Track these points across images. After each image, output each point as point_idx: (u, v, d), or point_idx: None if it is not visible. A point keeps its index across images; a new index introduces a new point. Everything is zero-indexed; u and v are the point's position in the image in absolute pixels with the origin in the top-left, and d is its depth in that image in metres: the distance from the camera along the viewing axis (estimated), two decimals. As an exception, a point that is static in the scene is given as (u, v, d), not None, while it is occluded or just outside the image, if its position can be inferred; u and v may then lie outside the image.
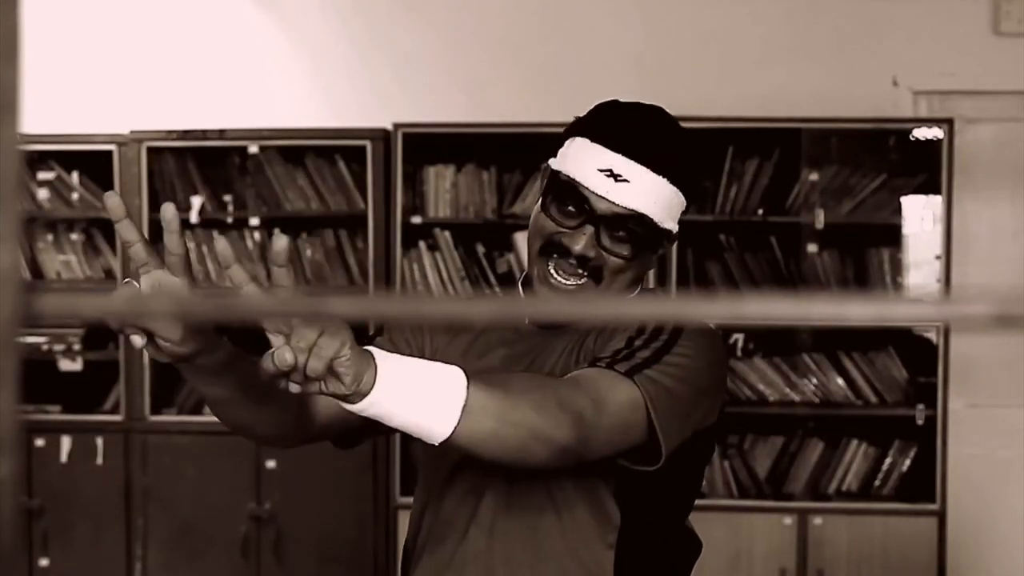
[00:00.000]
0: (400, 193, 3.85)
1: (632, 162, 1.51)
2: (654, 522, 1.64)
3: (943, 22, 4.14)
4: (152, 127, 3.97)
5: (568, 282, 1.52)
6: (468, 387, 1.23)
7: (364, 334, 1.67)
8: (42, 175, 4.03)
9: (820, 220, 3.88)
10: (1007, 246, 4.19)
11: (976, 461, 4.17)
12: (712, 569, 3.80)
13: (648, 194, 1.51)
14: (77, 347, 4.00)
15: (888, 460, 3.92)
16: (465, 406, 1.22)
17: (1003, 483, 4.21)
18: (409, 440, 1.64)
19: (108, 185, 3.97)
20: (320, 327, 1.06)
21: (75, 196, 4.05)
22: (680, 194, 1.56)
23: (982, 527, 4.18)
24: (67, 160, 4.03)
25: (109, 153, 3.94)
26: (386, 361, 1.20)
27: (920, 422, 3.86)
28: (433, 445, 1.45)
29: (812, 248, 3.94)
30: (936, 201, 3.83)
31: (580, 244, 1.50)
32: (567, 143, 1.59)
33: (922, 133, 3.96)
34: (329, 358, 1.08)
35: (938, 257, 3.82)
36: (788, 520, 3.79)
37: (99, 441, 3.92)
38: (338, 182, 3.98)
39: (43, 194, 4.03)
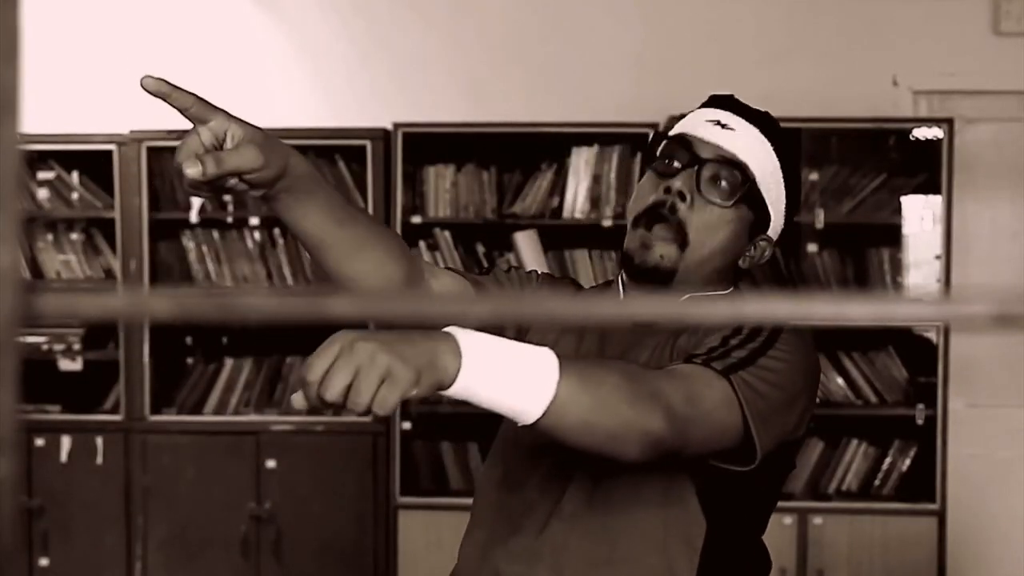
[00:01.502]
0: (400, 193, 3.85)
1: (740, 118, 1.53)
2: (735, 532, 1.58)
3: (943, 22, 4.14)
4: (152, 127, 3.96)
5: (656, 232, 1.48)
6: (560, 371, 1.16)
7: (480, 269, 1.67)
8: (42, 175, 4.03)
9: (820, 220, 3.88)
10: (1007, 246, 4.19)
11: (976, 461, 4.17)
12: (712, 569, 3.80)
13: (752, 147, 1.52)
14: (77, 347, 4.00)
15: (888, 460, 3.92)
16: (556, 393, 1.15)
17: (1003, 483, 4.21)
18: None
19: (108, 185, 3.97)
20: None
21: (75, 196, 4.05)
22: (781, 174, 1.55)
23: (982, 527, 4.18)
24: (67, 160, 4.03)
25: (109, 153, 3.94)
26: (472, 342, 1.13)
27: (920, 422, 3.86)
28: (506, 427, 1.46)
29: (812, 248, 3.94)
30: (936, 201, 3.84)
31: (680, 181, 1.48)
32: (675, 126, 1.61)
33: (922, 133, 3.96)
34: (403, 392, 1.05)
35: (938, 257, 3.82)
36: (788, 520, 3.79)
37: (99, 441, 3.92)
38: (338, 182, 3.98)
39: (43, 194, 4.04)
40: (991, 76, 4.14)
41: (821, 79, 4.14)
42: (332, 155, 3.97)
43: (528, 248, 3.92)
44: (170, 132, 3.94)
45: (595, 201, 3.92)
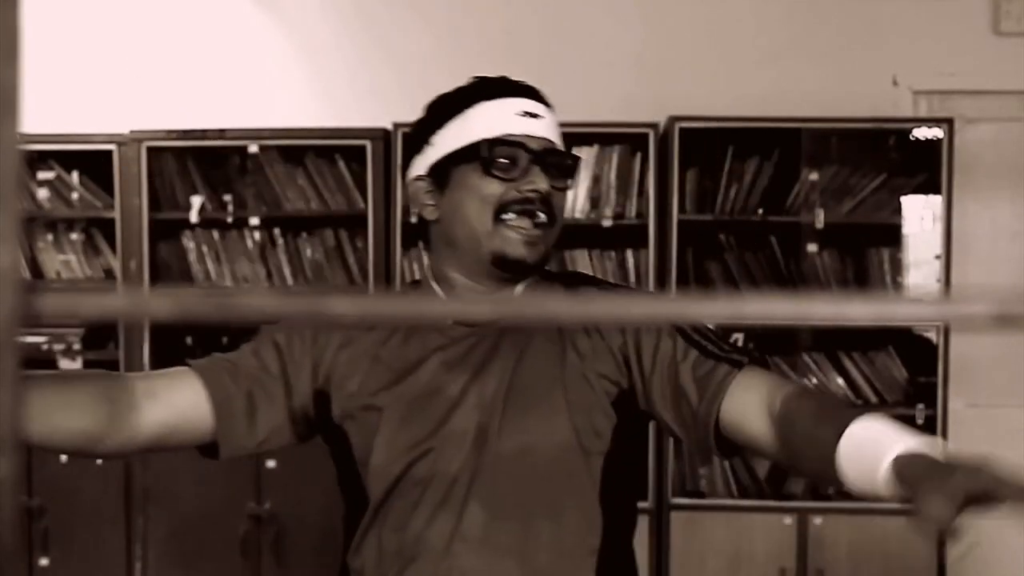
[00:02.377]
0: (400, 193, 3.85)
1: (534, 101, 1.60)
2: (628, 532, 1.62)
3: (943, 22, 4.14)
4: (152, 127, 3.97)
5: (531, 228, 1.52)
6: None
7: (248, 336, 1.64)
8: (42, 175, 4.03)
9: (820, 220, 3.88)
10: (1007, 246, 4.19)
11: (976, 461, 4.17)
12: (712, 569, 3.80)
13: (553, 125, 1.61)
14: (77, 347, 4.00)
15: (888, 460, 3.92)
16: None
17: (1003, 483, 4.20)
18: (338, 462, 1.63)
19: (108, 185, 3.97)
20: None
21: (75, 196, 4.05)
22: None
23: (982, 527, 4.17)
24: (67, 160, 4.03)
25: (109, 153, 3.94)
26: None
27: (920, 422, 3.86)
28: (379, 461, 1.49)
29: (812, 248, 3.94)
30: (936, 201, 3.84)
31: (543, 183, 1.52)
32: (444, 131, 1.60)
33: (922, 133, 3.96)
34: None
35: (938, 257, 3.82)
36: (788, 520, 3.80)
37: (99, 441, 3.92)
38: (338, 182, 3.98)
39: (43, 194, 4.04)
40: (991, 76, 4.14)
41: (821, 79, 4.14)
42: (332, 155, 3.97)
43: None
44: (170, 132, 3.94)
45: (595, 201, 3.92)
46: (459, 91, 1.64)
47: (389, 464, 1.52)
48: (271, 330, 1.60)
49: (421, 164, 1.63)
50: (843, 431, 1.29)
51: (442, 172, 1.59)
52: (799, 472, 1.46)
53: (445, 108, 1.63)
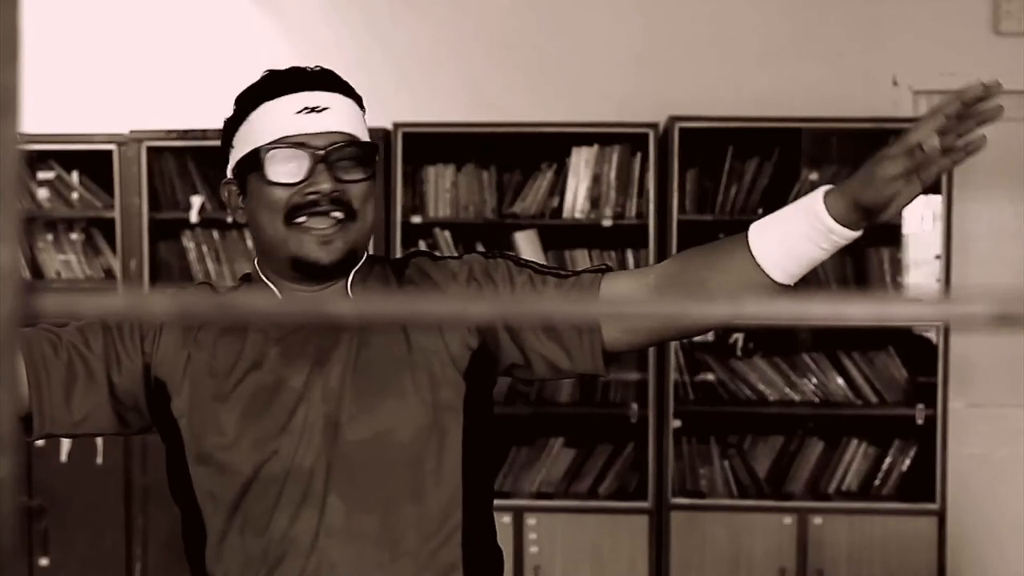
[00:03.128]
0: (400, 193, 3.85)
1: (319, 92, 1.51)
2: (488, 504, 1.61)
3: (943, 22, 4.14)
4: (152, 127, 3.97)
5: (326, 228, 1.47)
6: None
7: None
8: (42, 175, 4.03)
9: (820, 220, 3.87)
10: (1007, 246, 4.19)
11: (976, 461, 4.17)
12: (712, 568, 3.80)
13: (345, 114, 1.52)
14: None
15: (888, 460, 3.93)
16: None
17: (1003, 483, 4.21)
18: (170, 459, 1.59)
19: (108, 185, 3.97)
20: None
21: (75, 196, 4.05)
22: (358, 107, 1.56)
23: (982, 527, 4.18)
24: (67, 160, 4.03)
25: (109, 153, 3.94)
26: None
27: (920, 422, 3.86)
28: (226, 461, 1.47)
29: (812, 248, 3.93)
30: (936, 201, 3.84)
31: (326, 184, 1.46)
32: (239, 135, 1.55)
33: (922, 133, 3.95)
34: None
35: (938, 257, 3.82)
36: (788, 520, 3.80)
37: (99, 441, 3.92)
38: (338, 182, 3.98)
39: (43, 194, 4.04)
40: (991, 75, 4.12)
41: (821, 79, 4.14)
42: (332, 155, 3.97)
43: (528, 248, 3.92)
44: (169, 132, 3.94)
45: (595, 201, 3.92)
46: (247, 90, 1.56)
47: (238, 464, 1.49)
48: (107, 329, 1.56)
49: (230, 166, 1.59)
50: (744, 241, 1.48)
51: (241, 177, 1.55)
52: (696, 322, 1.45)
53: (240, 106, 1.57)
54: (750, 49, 4.18)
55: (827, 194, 1.38)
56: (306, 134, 1.48)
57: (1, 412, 0.37)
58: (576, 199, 3.92)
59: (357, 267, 1.55)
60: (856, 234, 1.41)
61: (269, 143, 1.48)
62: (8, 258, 0.38)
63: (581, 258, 3.95)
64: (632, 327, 1.50)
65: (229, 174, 1.58)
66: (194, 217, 3.96)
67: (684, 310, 0.38)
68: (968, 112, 1.39)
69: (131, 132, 3.94)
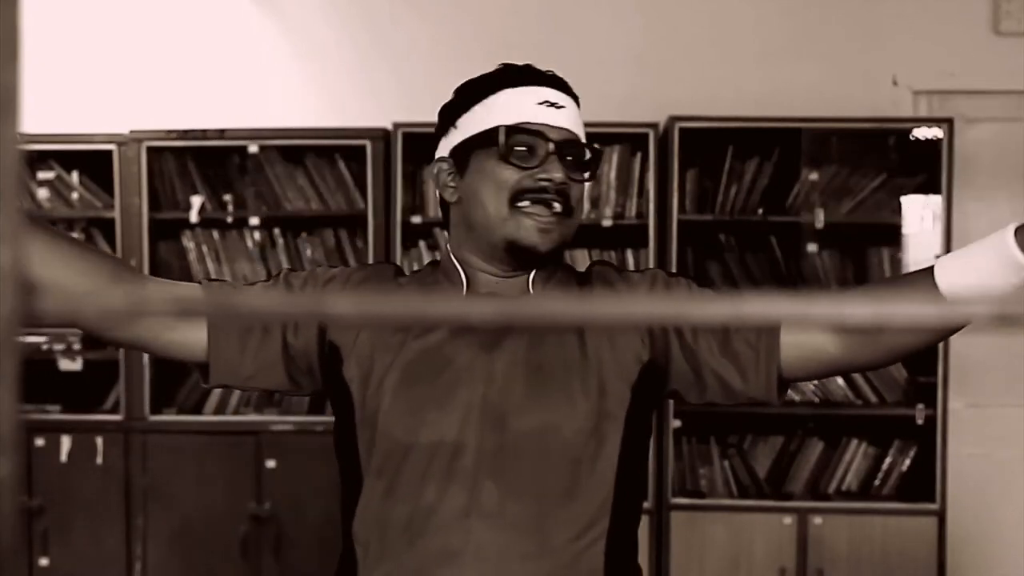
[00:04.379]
0: (400, 193, 3.85)
1: (558, 92, 1.59)
2: (635, 518, 1.61)
3: (943, 22, 4.14)
4: (152, 127, 3.97)
5: (547, 216, 1.52)
6: None
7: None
8: (42, 175, 4.03)
9: (820, 220, 3.88)
10: (1007, 246, 4.18)
11: (976, 461, 4.17)
12: (712, 568, 3.80)
13: (577, 118, 1.60)
14: (77, 347, 4.00)
15: (888, 460, 3.93)
16: None
17: (1003, 483, 4.21)
18: (342, 435, 1.61)
19: (108, 185, 3.97)
20: None
21: (75, 196, 4.05)
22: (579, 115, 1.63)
23: (982, 527, 4.18)
24: (67, 160, 4.03)
25: (109, 153, 3.94)
26: None
27: (920, 422, 3.86)
28: (383, 426, 1.49)
29: (812, 248, 3.94)
30: (936, 201, 3.83)
31: (558, 172, 1.52)
32: (469, 115, 1.60)
33: (922, 133, 3.96)
34: None
35: (938, 256, 3.82)
36: (788, 520, 3.80)
37: (99, 441, 3.92)
38: (338, 182, 3.98)
39: (43, 193, 4.04)
40: (991, 76, 4.14)
41: (821, 79, 4.14)
42: (332, 155, 3.97)
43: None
44: (169, 132, 3.94)
45: (595, 201, 3.92)
46: (485, 77, 1.63)
47: (392, 428, 1.51)
48: (287, 274, 1.63)
49: (445, 146, 1.63)
50: (929, 275, 1.41)
51: (463, 155, 1.59)
52: (884, 352, 1.45)
53: (471, 92, 1.63)
54: (750, 49, 4.18)
55: (1018, 228, 1.34)
56: (546, 124, 1.54)
57: (1, 412, 0.37)
58: (576, 199, 3.92)
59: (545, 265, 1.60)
60: None
61: (510, 125, 1.54)
62: (8, 258, 0.38)
63: (581, 258, 3.94)
64: (813, 355, 1.50)
65: (444, 153, 1.62)
66: (194, 217, 3.97)
67: (684, 311, 0.38)
68: None
69: (131, 132, 3.94)
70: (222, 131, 3.92)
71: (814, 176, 3.91)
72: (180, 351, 1.58)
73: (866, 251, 3.96)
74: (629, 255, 3.93)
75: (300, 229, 4.02)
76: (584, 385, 1.52)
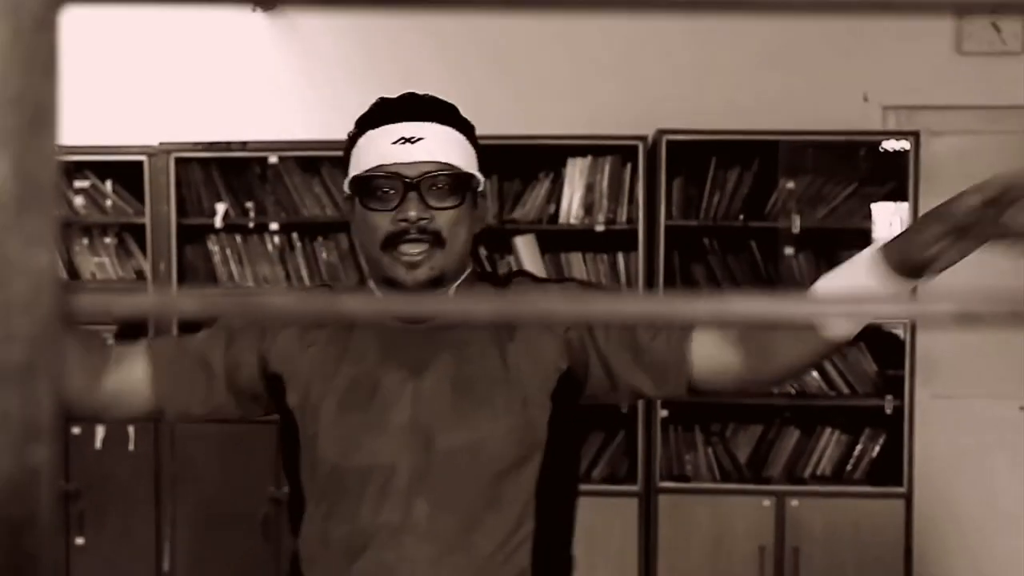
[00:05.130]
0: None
1: (417, 123, 1.50)
2: (565, 518, 1.59)
3: (910, 42, 4.14)
4: (180, 139, 3.97)
5: (416, 253, 1.47)
6: None
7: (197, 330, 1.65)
8: (78, 183, 4.03)
9: (796, 225, 3.88)
10: (969, 249, 4.19)
11: (940, 447, 4.17)
12: (697, 547, 3.80)
13: (444, 144, 1.50)
14: (111, 342, 4.00)
15: (859, 447, 3.93)
16: None
17: (965, 468, 4.21)
18: (288, 458, 1.59)
19: (139, 193, 3.97)
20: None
21: (108, 203, 4.05)
22: (468, 142, 1.55)
23: (946, 509, 4.18)
24: (101, 169, 4.03)
25: (140, 163, 3.94)
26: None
27: (889, 412, 3.86)
28: (320, 450, 1.47)
29: (789, 251, 3.94)
30: (904, 208, 3.83)
31: (413, 210, 1.46)
32: (352, 157, 1.55)
33: (890, 145, 3.96)
34: None
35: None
36: (767, 502, 3.80)
37: (131, 430, 3.92)
38: (351, 190, 3.97)
39: (79, 201, 4.04)
40: (955, 92, 4.14)
41: (797, 95, 4.14)
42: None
43: (527, 251, 3.92)
44: (195, 144, 3.94)
45: (588, 208, 3.92)
46: (362, 116, 1.57)
47: (329, 453, 1.50)
48: (223, 321, 1.60)
49: (346, 182, 1.57)
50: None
51: (352, 198, 1.55)
52: (775, 371, 1.46)
53: (354, 132, 1.57)
54: (731, 67, 4.18)
55: (882, 248, 1.35)
56: (400, 163, 1.48)
57: (40, 404, 0.37)
58: (571, 206, 3.92)
59: (458, 283, 1.55)
60: (913, 282, 1.39)
61: (367, 171, 1.49)
62: (47, 260, 0.38)
63: (576, 261, 3.95)
64: (721, 369, 1.50)
65: (346, 189, 1.57)
66: (218, 223, 3.97)
67: (672, 310, 0.38)
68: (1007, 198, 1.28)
69: (160, 144, 3.94)
70: (244, 143, 3.92)
71: (791, 185, 3.91)
72: (124, 405, 1.56)
73: (839, 254, 3.94)
74: (620, 258, 3.93)
75: (316, 234, 4.01)
76: (507, 398, 1.49)
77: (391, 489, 1.47)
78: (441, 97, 1.60)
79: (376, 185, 1.49)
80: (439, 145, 1.50)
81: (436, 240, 1.48)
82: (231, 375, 1.57)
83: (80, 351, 1.50)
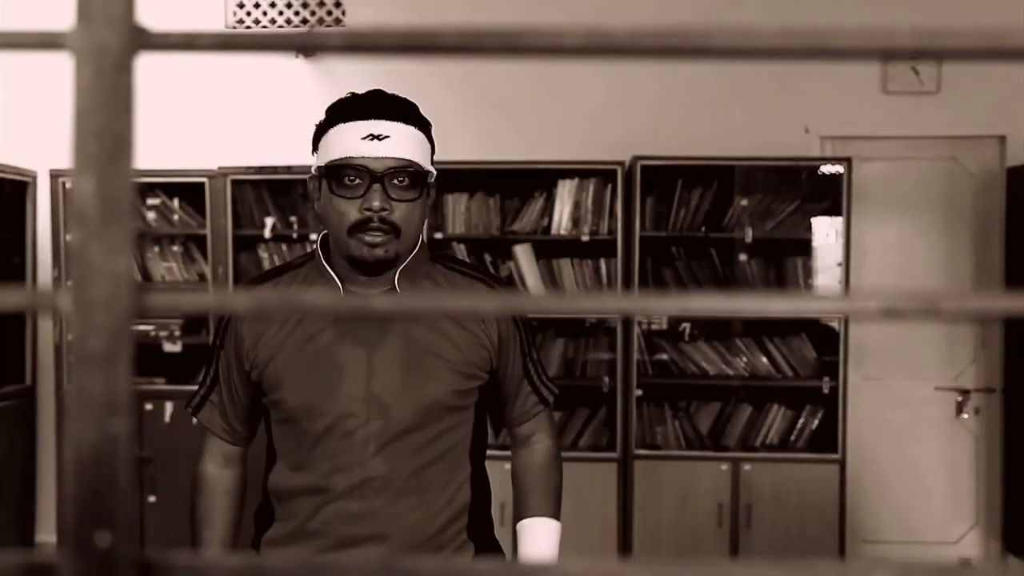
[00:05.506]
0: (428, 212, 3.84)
1: (386, 122, 1.44)
2: (483, 461, 1.60)
3: (844, 83, 4.14)
4: (235, 164, 3.97)
5: (377, 239, 1.43)
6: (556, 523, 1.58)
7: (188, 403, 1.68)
8: (150, 201, 4.03)
9: (749, 236, 3.88)
10: (893, 256, 4.19)
11: (869, 422, 4.18)
12: (666, 504, 3.80)
13: (407, 143, 1.45)
14: (177, 333, 4.00)
15: (801, 420, 3.93)
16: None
17: (888, 438, 4.21)
18: (268, 418, 1.57)
19: (201, 209, 3.97)
20: None
21: (176, 217, 4.05)
22: (427, 140, 1.50)
23: (873, 472, 4.18)
24: (169, 189, 4.03)
25: (202, 184, 3.94)
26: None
27: (826, 391, 3.86)
28: (297, 418, 1.48)
29: (743, 257, 3.94)
30: (838, 221, 3.84)
31: (376, 200, 1.41)
32: (322, 142, 1.48)
33: (827, 169, 3.96)
34: None
35: (840, 264, 3.82)
36: (724, 467, 3.79)
37: (194, 406, 3.92)
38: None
39: (151, 216, 4.04)
40: (881, 125, 4.14)
41: (750, 127, 4.14)
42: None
43: (524, 258, 3.92)
44: (248, 168, 3.94)
45: (576, 221, 3.92)
46: (333, 106, 1.50)
47: (296, 419, 1.48)
48: (222, 342, 1.58)
49: (314, 163, 1.51)
50: (526, 513, 1.58)
51: (319, 178, 1.49)
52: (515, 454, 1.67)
53: (326, 119, 1.49)
54: (695, 104, 4.18)
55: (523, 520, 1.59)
56: (367, 157, 1.42)
57: (118, 384, 0.37)
58: (561, 220, 3.92)
59: (404, 265, 1.50)
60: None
61: (338, 160, 1.43)
62: (125, 265, 0.38)
63: (565, 265, 3.94)
64: (517, 446, 1.64)
65: (314, 171, 1.50)
66: (267, 234, 3.97)
67: (644, 306, 0.38)
68: None
69: (219, 168, 3.94)
70: (289, 167, 3.92)
71: (744, 202, 3.91)
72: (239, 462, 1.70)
73: (784, 260, 3.95)
74: (602, 263, 3.93)
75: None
76: (449, 370, 1.48)
77: (352, 450, 1.45)
78: (404, 96, 1.53)
79: (345, 174, 1.43)
80: (403, 144, 1.44)
81: (393, 229, 1.43)
82: (252, 401, 1.58)
83: (220, 500, 1.67)
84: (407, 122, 1.47)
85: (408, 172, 1.44)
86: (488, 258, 3.97)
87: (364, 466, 1.45)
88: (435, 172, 1.52)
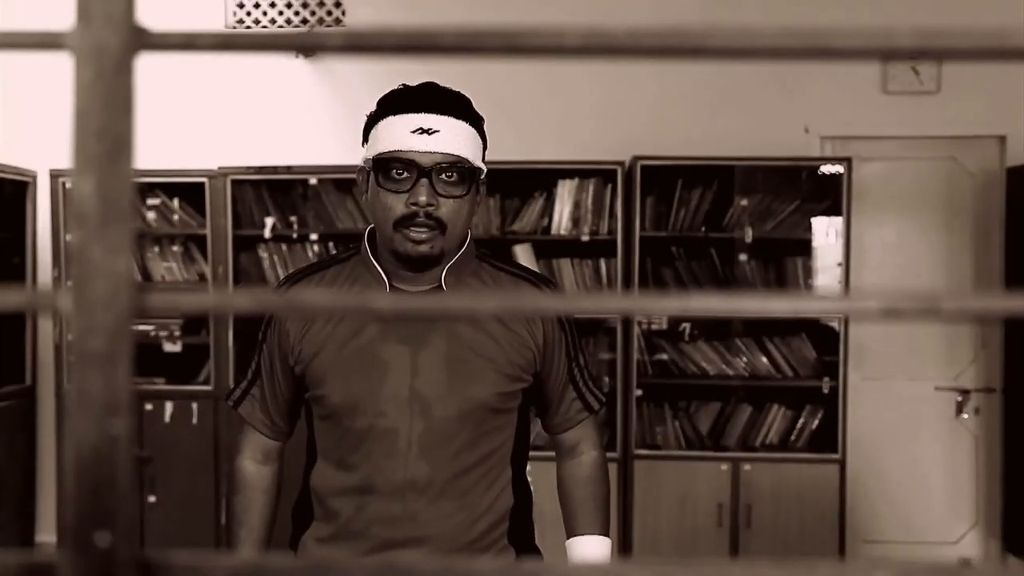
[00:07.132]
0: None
1: (437, 115, 1.40)
2: (525, 465, 1.60)
3: (844, 83, 4.14)
4: (235, 164, 3.97)
5: (422, 234, 1.40)
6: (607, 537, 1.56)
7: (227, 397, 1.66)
8: (150, 201, 4.03)
9: (749, 236, 3.88)
10: (892, 256, 4.19)
11: (869, 422, 4.18)
12: (667, 504, 3.80)
13: (457, 138, 1.41)
14: (177, 333, 4.00)
15: (801, 420, 3.93)
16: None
17: (888, 438, 4.21)
18: (310, 416, 1.55)
19: (201, 208, 3.97)
20: None
21: (176, 217, 4.05)
22: (478, 136, 1.46)
23: (873, 472, 4.18)
24: (169, 189, 4.03)
25: (202, 184, 3.94)
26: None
27: (826, 391, 3.86)
28: (339, 417, 1.46)
29: (743, 257, 3.94)
30: (838, 221, 3.84)
31: (423, 195, 1.38)
32: (372, 135, 1.45)
33: (827, 169, 3.96)
34: None
35: (840, 264, 3.82)
36: (724, 467, 3.79)
37: (194, 406, 3.92)
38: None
39: (151, 215, 4.03)
40: (881, 125, 4.14)
41: (750, 127, 4.14)
42: (373, 186, 3.96)
43: (524, 258, 3.92)
44: (248, 168, 3.94)
45: (576, 221, 3.92)
46: (385, 98, 1.47)
47: (338, 418, 1.46)
48: (265, 336, 1.55)
49: (363, 155, 1.48)
50: (576, 531, 1.57)
51: (368, 172, 1.47)
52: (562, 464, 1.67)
53: (376, 111, 1.47)
54: (695, 104, 4.18)
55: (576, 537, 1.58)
56: (416, 151, 1.39)
57: (118, 384, 0.37)
58: (561, 220, 3.92)
59: (452, 262, 1.47)
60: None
61: (386, 153, 1.41)
62: (125, 264, 0.38)
63: (565, 265, 3.94)
64: (562, 456, 1.63)
65: (362, 163, 1.48)
66: (267, 234, 3.96)
67: (645, 306, 0.38)
68: None
69: (219, 168, 3.94)
70: (289, 167, 3.92)
71: (744, 202, 3.91)
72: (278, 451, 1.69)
73: (784, 260, 3.95)
74: (602, 263, 3.93)
75: (349, 243, 3.99)
76: (493, 372, 1.45)
77: (394, 451, 1.43)
78: (457, 90, 1.48)
79: (392, 167, 1.40)
80: (452, 138, 1.40)
81: (439, 225, 1.41)
82: (291, 394, 1.56)
83: (259, 498, 1.66)
84: (458, 116, 1.43)
85: (457, 168, 1.41)
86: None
87: (406, 467, 1.43)
88: (485, 169, 1.48)
